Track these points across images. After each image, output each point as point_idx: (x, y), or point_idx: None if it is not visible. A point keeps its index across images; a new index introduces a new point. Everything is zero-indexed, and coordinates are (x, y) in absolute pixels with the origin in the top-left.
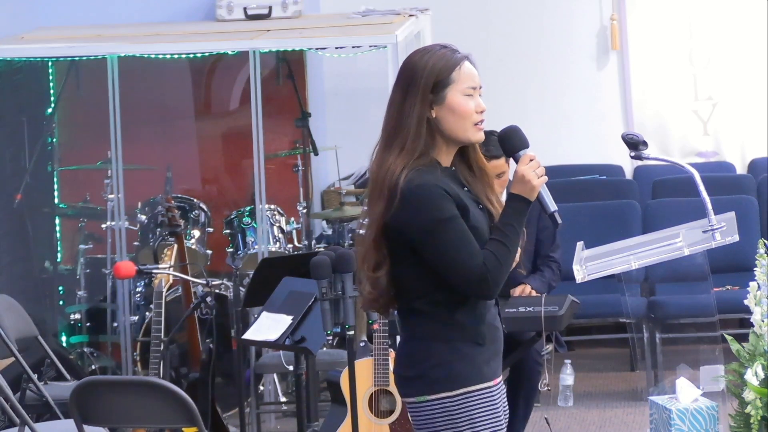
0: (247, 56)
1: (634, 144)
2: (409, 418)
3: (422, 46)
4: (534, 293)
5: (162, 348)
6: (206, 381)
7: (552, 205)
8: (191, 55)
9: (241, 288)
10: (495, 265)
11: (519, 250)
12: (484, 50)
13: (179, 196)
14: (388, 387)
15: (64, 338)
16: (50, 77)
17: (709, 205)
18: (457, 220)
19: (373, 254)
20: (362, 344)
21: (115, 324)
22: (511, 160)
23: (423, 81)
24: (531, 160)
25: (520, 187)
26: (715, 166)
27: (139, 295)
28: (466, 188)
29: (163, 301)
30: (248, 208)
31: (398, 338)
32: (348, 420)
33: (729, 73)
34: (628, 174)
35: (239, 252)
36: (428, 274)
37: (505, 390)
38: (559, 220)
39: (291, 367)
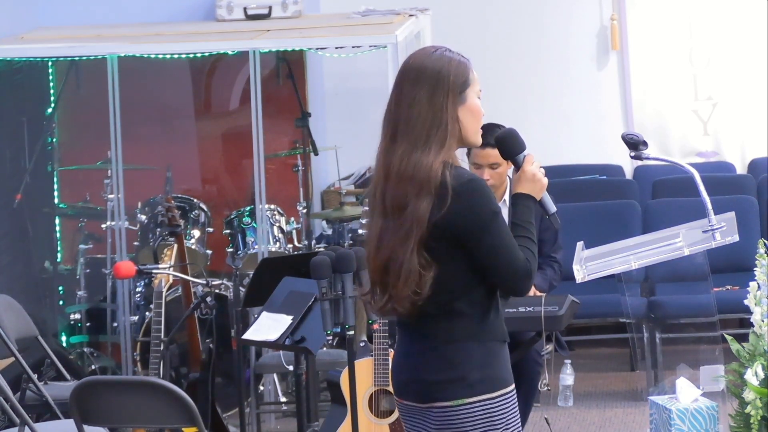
0: (247, 56)
1: (634, 144)
2: (434, 423)
3: (427, 47)
4: (533, 290)
5: (162, 348)
6: (206, 381)
7: (552, 207)
8: (191, 55)
9: (241, 288)
10: (533, 261)
11: None
12: (484, 50)
13: (179, 196)
14: (388, 387)
15: (64, 338)
16: (50, 77)
17: (709, 205)
18: (501, 215)
19: (417, 256)
20: (362, 344)
21: (115, 324)
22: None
23: (452, 80)
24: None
25: (530, 186)
26: (715, 166)
27: (139, 295)
28: None
29: (163, 301)
30: (248, 208)
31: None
32: (348, 420)
33: (729, 73)
34: (628, 174)
35: (239, 252)
36: (468, 273)
37: None
38: (559, 221)
39: (291, 367)
